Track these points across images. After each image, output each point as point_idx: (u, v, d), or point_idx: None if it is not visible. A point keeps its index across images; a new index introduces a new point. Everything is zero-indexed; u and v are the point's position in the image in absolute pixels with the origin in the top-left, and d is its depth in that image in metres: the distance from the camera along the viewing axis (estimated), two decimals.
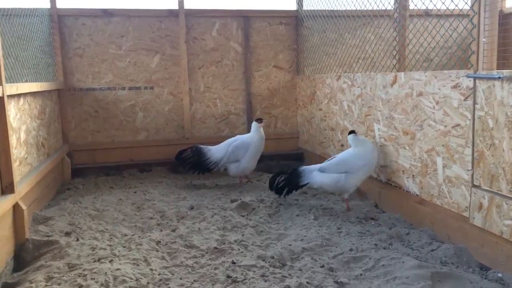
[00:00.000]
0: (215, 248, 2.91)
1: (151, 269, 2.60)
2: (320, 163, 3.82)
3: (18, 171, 3.22)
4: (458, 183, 2.86)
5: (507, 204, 2.44)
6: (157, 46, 5.34)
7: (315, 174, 3.71)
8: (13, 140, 3.10)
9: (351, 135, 3.72)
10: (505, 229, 2.47)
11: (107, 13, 5.15)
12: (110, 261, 2.68)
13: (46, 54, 4.67)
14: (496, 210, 2.52)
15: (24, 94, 3.55)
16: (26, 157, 3.49)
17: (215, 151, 4.64)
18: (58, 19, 5.02)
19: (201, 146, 4.72)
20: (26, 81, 3.78)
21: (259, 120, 4.65)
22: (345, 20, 4.66)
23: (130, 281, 2.43)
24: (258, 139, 4.62)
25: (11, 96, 3.16)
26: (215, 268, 2.61)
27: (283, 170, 4.03)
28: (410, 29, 4.06)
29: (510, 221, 2.43)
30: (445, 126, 2.95)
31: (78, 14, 5.09)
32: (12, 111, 3.20)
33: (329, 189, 3.81)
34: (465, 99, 2.76)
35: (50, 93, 4.57)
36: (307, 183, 3.74)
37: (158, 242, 3.03)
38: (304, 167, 3.85)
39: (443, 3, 3.12)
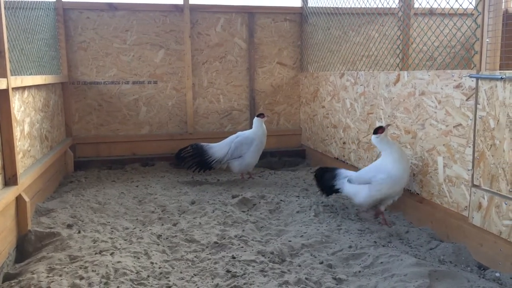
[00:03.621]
0: (216, 242, 2.93)
1: (152, 263, 2.62)
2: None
3: (22, 163, 3.24)
4: (458, 183, 2.87)
5: (506, 204, 2.45)
6: (161, 40, 5.35)
7: None
8: (17, 132, 3.12)
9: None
10: (504, 229, 2.48)
11: (112, 7, 5.16)
12: (111, 254, 2.70)
13: (51, 47, 4.69)
14: (496, 210, 2.53)
15: (29, 87, 3.57)
16: (30, 150, 3.51)
17: (217, 149, 4.62)
18: (63, 12, 5.04)
19: (202, 143, 4.71)
20: (31, 74, 3.80)
21: (261, 115, 4.65)
22: (349, 18, 4.66)
23: (131, 274, 2.45)
24: (261, 134, 4.62)
25: (15, 89, 3.18)
26: (215, 263, 2.64)
27: None
28: (414, 28, 4.06)
29: (509, 221, 2.44)
30: (447, 126, 2.96)
31: (83, 7, 5.11)
32: (17, 103, 3.22)
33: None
34: (467, 99, 2.76)
35: (54, 86, 4.60)
36: None
37: (159, 236, 3.05)
38: None
39: (447, 2, 3.12)
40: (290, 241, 2.95)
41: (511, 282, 2.40)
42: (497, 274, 2.47)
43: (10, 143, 2.89)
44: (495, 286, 2.35)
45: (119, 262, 2.56)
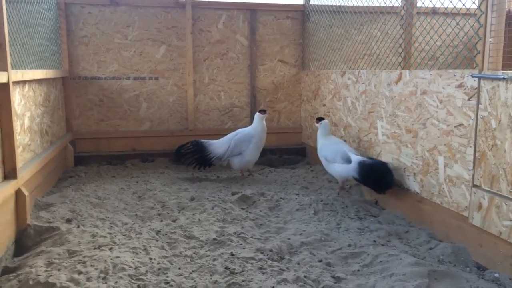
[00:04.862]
0: (215, 239, 2.92)
1: (150, 258, 2.62)
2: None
3: (21, 157, 3.24)
4: (459, 183, 2.86)
5: (506, 204, 2.44)
6: (163, 36, 5.34)
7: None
8: (17, 126, 3.12)
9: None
10: (503, 230, 2.48)
11: (113, 2, 5.15)
12: (110, 249, 2.70)
13: (52, 42, 4.68)
14: (496, 210, 2.53)
15: (29, 81, 3.56)
16: (30, 144, 3.51)
17: (217, 146, 4.61)
18: (65, 7, 5.03)
19: (202, 140, 4.70)
20: (32, 68, 3.79)
21: (263, 111, 4.63)
22: (351, 16, 4.65)
23: (129, 269, 2.45)
24: (260, 131, 4.61)
25: (16, 83, 3.18)
26: (214, 259, 2.63)
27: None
28: (416, 27, 4.05)
29: (509, 221, 2.43)
30: (448, 125, 2.95)
31: (85, 2, 5.09)
32: (17, 97, 3.21)
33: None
34: (469, 99, 2.75)
35: (55, 81, 4.59)
36: None
37: (158, 232, 3.05)
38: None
39: (450, 1, 3.11)
40: (289, 239, 2.94)
41: (510, 282, 2.40)
42: (496, 275, 2.47)
43: (10, 137, 2.88)
44: (494, 286, 2.35)
45: (117, 257, 2.56)
